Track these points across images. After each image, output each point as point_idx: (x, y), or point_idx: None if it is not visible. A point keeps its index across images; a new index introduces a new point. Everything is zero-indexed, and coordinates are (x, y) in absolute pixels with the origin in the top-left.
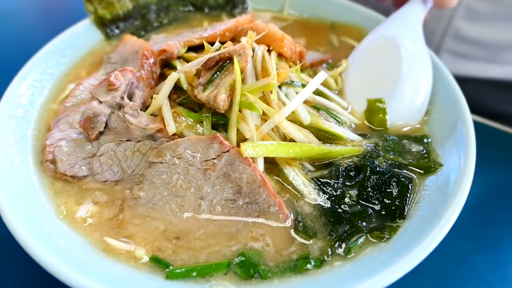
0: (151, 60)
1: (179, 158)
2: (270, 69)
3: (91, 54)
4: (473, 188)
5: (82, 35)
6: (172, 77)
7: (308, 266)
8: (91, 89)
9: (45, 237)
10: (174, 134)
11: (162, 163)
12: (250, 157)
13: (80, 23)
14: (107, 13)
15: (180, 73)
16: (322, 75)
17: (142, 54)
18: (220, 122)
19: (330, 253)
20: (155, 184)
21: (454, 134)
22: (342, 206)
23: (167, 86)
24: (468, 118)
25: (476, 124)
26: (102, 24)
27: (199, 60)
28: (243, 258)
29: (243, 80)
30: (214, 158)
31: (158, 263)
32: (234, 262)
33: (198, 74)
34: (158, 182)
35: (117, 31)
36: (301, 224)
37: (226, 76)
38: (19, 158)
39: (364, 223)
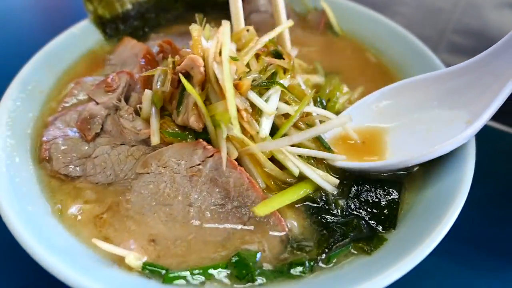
0: (150, 62)
1: (164, 167)
2: (223, 84)
3: (91, 54)
4: (472, 187)
5: (82, 35)
6: (146, 95)
7: (301, 269)
8: (89, 90)
9: (45, 237)
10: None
11: (148, 173)
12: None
13: (79, 23)
14: (106, 13)
15: (154, 92)
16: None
17: (141, 56)
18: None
19: (318, 260)
20: (143, 195)
21: None
22: (331, 216)
23: (145, 104)
24: None
25: None
26: (102, 23)
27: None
28: (237, 258)
29: (209, 92)
30: (199, 164)
31: (153, 267)
32: (230, 261)
33: None
34: (146, 193)
35: (116, 31)
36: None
37: (189, 94)
38: (19, 157)
39: (353, 233)
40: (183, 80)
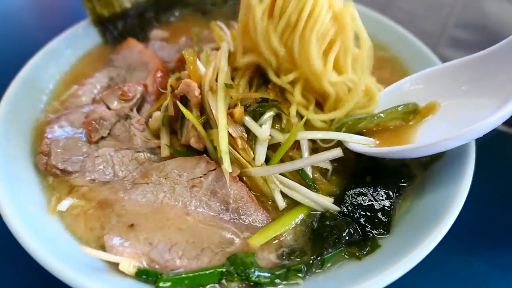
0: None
1: (165, 178)
2: (216, 117)
3: (91, 54)
4: (472, 188)
5: (82, 35)
6: (157, 116)
7: (296, 274)
8: (102, 94)
9: (45, 237)
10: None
11: (147, 183)
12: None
13: (80, 23)
14: (105, 12)
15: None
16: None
17: (155, 69)
18: None
19: (313, 264)
20: (140, 203)
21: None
22: (324, 223)
23: (155, 123)
24: None
25: None
26: (100, 22)
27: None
28: (234, 257)
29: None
30: (201, 177)
31: (146, 274)
32: (227, 261)
33: None
34: (143, 201)
35: (115, 30)
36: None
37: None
38: (19, 157)
39: (346, 238)
40: (180, 106)
